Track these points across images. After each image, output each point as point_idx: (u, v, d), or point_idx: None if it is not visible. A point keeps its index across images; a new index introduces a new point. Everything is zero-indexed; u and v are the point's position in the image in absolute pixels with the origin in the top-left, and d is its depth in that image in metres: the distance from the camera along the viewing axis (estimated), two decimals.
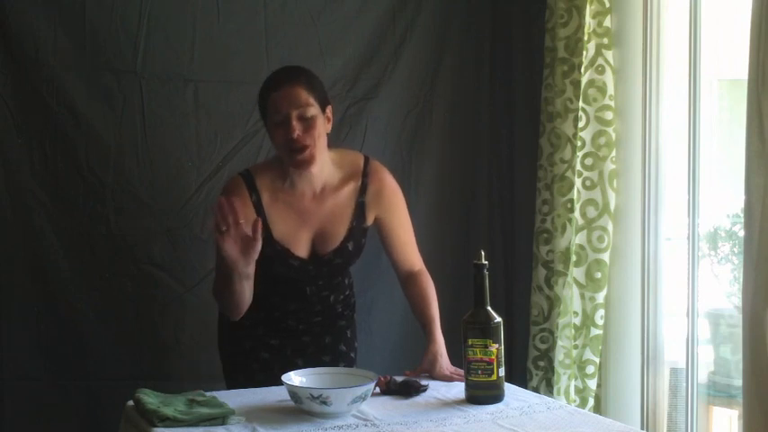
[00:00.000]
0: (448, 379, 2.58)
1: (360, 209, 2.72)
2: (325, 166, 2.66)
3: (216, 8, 3.51)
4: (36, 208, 3.35)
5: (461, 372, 2.48)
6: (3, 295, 3.34)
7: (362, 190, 2.72)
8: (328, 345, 2.83)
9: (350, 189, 2.71)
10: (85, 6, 3.35)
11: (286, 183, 2.67)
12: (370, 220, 2.75)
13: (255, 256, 2.43)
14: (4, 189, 3.33)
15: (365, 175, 2.73)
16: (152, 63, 3.43)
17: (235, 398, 2.40)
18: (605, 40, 3.49)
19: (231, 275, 2.47)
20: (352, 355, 2.89)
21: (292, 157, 2.58)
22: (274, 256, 2.65)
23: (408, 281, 2.81)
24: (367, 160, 2.76)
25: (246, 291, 2.54)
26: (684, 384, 3.35)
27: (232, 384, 2.74)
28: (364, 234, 2.75)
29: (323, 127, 2.60)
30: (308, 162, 2.59)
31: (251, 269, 2.47)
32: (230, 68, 3.53)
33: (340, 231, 2.70)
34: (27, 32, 3.30)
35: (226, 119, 3.54)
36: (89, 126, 3.39)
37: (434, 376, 2.60)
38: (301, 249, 2.68)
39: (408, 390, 2.47)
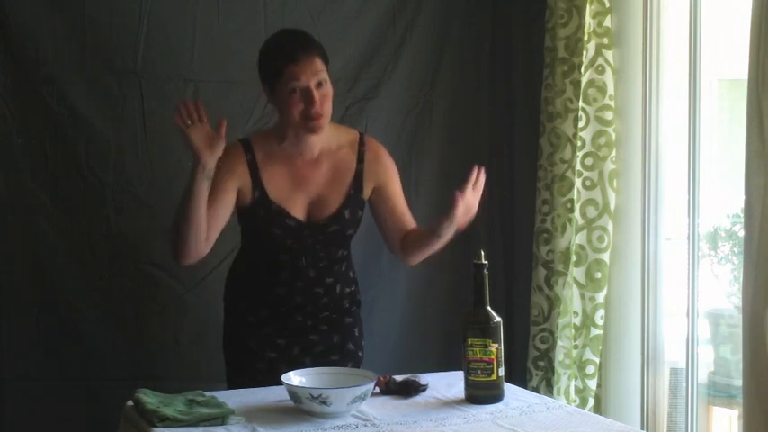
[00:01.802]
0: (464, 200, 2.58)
1: (358, 177, 2.74)
2: (324, 131, 2.69)
3: (216, 8, 3.51)
4: (36, 208, 3.35)
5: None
6: (3, 295, 3.34)
7: (360, 158, 2.76)
8: (336, 344, 2.81)
9: (347, 156, 2.75)
10: (85, 6, 3.36)
11: (282, 145, 2.70)
12: (367, 192, 2.77)
13: (219, 152, 2.53)
14: (4, 189, 3.33)
15: (362, 144, 2.77)
16: (152, 63, 3.43)
17: (234, 398, 2.40)
18: (605, 40, 3.49)
19: (194, 179, 2.53)
20: (360, 354, 2.87)
21: (308, 125, 2.62)
22: (270, 216, 2.66)
23: (406, 235, 2.81)
24: (361, 134, 2.81)
25: (203, 219, 2.56)
26: (684, 384, 3.35)
27: (236, 385, 2.72)
28: (361, 207, 2.76)
29: (331, 90, 2.65)
30: (322, 128, 2.64)
31: (212, 166, 2.53)
32: (230, 68, 3.53)
33: (336, 197, 2.72)
34: (27, 32, 3.30)
35: (226, 119, 3.53)
36: (89, 126, 3.39)
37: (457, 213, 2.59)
38: (298, 211, 2.69)
39: (408, 389, 2.47)
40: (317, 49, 2.65)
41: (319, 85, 2.61)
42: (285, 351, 2.75)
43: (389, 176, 2.81)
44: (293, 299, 2.74)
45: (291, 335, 2.76)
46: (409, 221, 2.83)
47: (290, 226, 2.67)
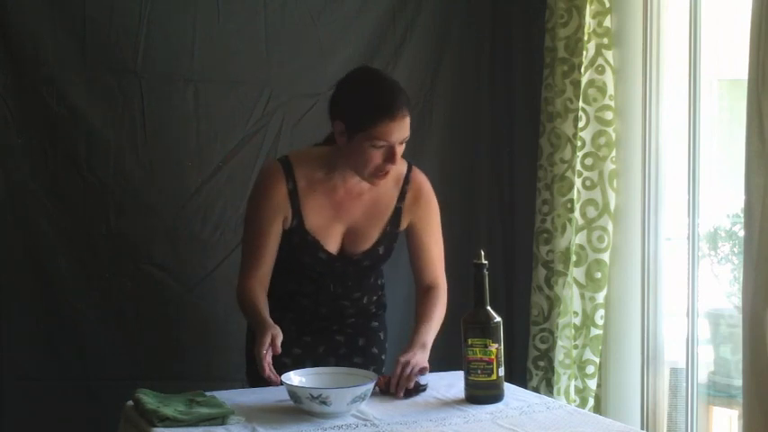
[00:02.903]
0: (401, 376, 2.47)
1: (396, 214, 2.67)
2: None
3: (216, 8, 3.50)
4: (36, 208, 3.35)
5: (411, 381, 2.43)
6: (3, 295, 3.34)
7: (401, 196, 2.67)
8: (362, 347, 2.78)
9: (390, 192, 2.66)
10: (85, 6, 3.35)
11: (326, 174, 2.61)
12: (403, 226, 2.70)
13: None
14: (4, 189, 3.33)
15: (406, 182, 2.68)
16: (152, 63, 3.43)
17: (234, 398, 2.40)
18: (605, 40, 3.49)
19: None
20: (383, 357, 2.83)
21: (371, 178, 2.54)
22: (304, 246, 2.61)
23: (425, 294, 2.72)
24: (410, 167, 2.70)
25: None
26: (684, 384, 3.35)
27: (260, 381, 2.56)
28: (395, 239, 2.70)
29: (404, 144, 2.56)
30: (383, 181, 2.57)
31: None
32: (230, 68, 3.53)
33: (373, 233, 2.65)
34: (27, 32, 3.30)
35: (226, 119, 3.54)
36: (89, 126, 3.38)
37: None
38: (332, 244, 2.62)
39: (408, 390, 2.46)
40: (409, 108, 2.51)
41: (401, 142, 2.50)
42: (310, 348, 2.72)
43: (425, 217, 2.72)
44: (318, 310, 2.71)
45: (316, 335, 2.74)
46: (432, 273, 2.71)
47: (322, 258, 2.62)
